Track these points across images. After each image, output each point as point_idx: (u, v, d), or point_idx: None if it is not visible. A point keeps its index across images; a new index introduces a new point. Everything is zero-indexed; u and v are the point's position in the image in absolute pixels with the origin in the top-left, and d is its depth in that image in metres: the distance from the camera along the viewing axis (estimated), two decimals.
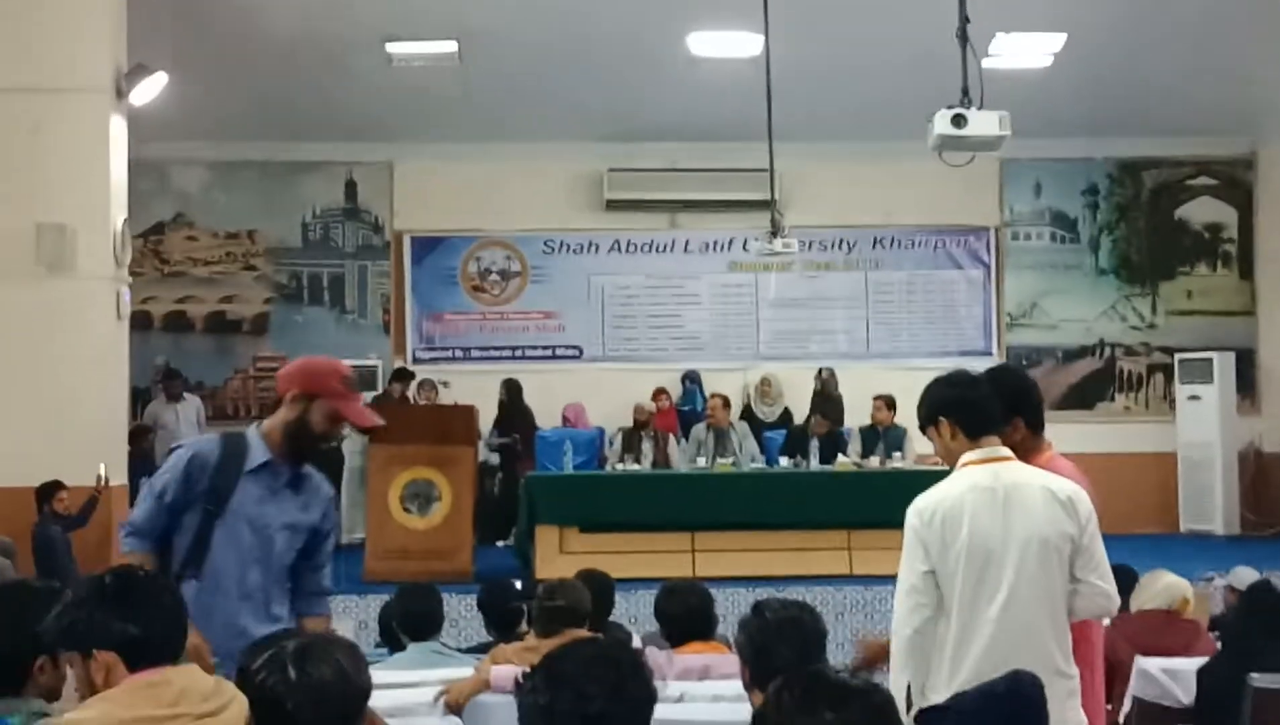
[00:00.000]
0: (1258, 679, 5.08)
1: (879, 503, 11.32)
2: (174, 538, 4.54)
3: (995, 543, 4.04)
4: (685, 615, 5.48)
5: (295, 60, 13.03)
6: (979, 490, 4.10)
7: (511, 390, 14.29)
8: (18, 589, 3.87)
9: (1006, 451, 4.21)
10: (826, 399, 14.22)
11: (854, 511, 11.34)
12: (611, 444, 14.07)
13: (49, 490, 9.76)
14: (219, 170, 15.24)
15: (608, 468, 13.42)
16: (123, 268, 11.01)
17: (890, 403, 13.14)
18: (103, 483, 10.09)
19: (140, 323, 13.40)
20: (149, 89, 11.03)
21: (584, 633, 5.04)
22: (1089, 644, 4.39)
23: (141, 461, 11.69)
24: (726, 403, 13.58)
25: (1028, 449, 4.39)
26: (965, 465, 4.18)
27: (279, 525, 4.58)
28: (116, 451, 10.79)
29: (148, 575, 3.46)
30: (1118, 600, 4.23)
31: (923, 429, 4.39)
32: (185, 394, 14.15)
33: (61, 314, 10.40)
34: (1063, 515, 4.07)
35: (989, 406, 4.26)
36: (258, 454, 4.54)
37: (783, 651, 3.81)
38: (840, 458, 13.00)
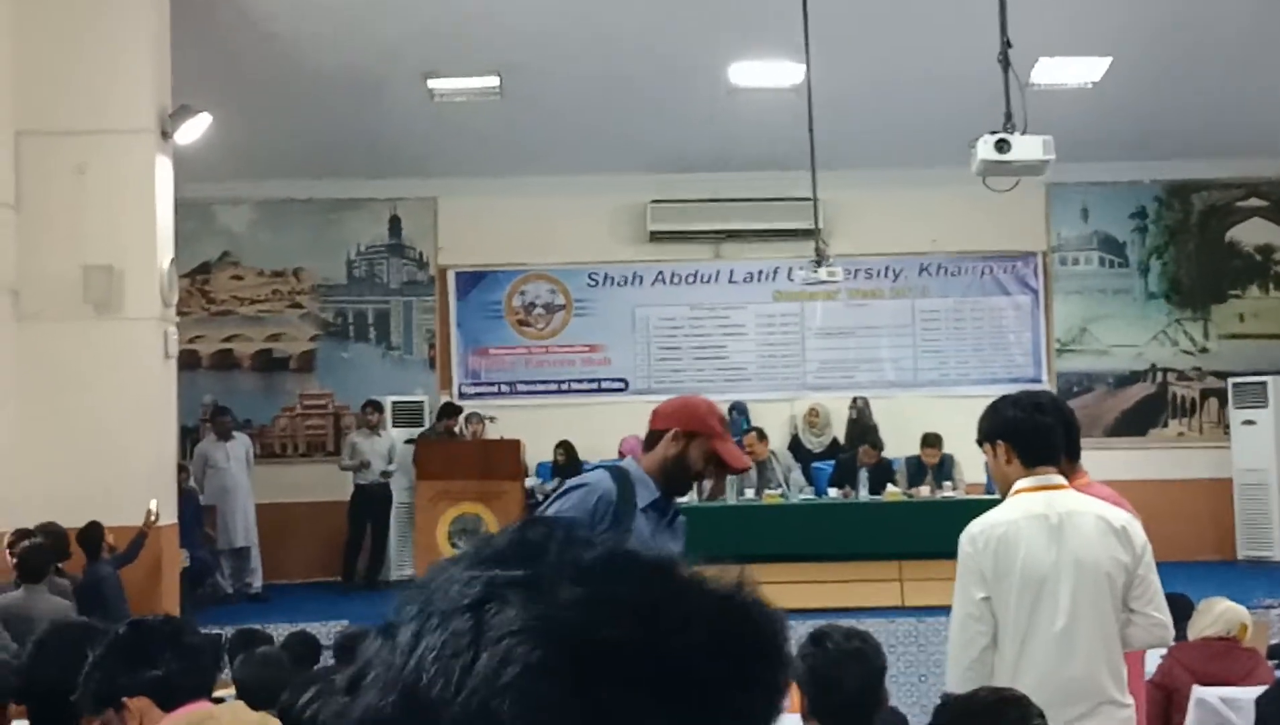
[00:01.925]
0: None
1: (930, 532, 11.31)
2: None
3: (1049, 570, 4.03)
4: None
5: (337, 97, 13.12)
6: (1033, 518, 4.09)
7: (569, 451, 14.29)
8: (82, 629, 3.90)
9: (1061, 479, 4.20)
10: (863, 428, 14.17)
11: (905, 542, 11.32)
12: None
13: (90, 531, 9.60)
14: (264, 209, 15.36)
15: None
16: (170, 307, 11.08)
17: (936, 442, 13.14)
18: (153, 518, 10.11)
19: (188, 362, 13.49)
20: (193, 129, 11.11)
21: None
22: (1132, 674, 4.37)
23: (181, 498, 11.74)
24: (762, 435, 13.64)
25: (1065, 477, 4.39)
26: (1019, 492, 4.17)
27: None
28: (166, 490, 10.83)
29: (163, 619, 3.50)
30: (1173, 631, 4.21)
31: (979, 444, 4.38)
32: (235, 432, 14.18)
33: (110, 354, 10.45)
34: (1117, 545, 4.06)
35: (1050, 437, 4.25)
36: (646, 492, 4.48)
37: (845, 683, 3.77)
38: (890, 487, 12.96)
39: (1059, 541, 4.05)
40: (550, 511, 4.52)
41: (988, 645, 4.07)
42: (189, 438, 14.16)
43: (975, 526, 4.17)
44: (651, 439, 4.59)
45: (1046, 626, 4.02)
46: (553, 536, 0.89)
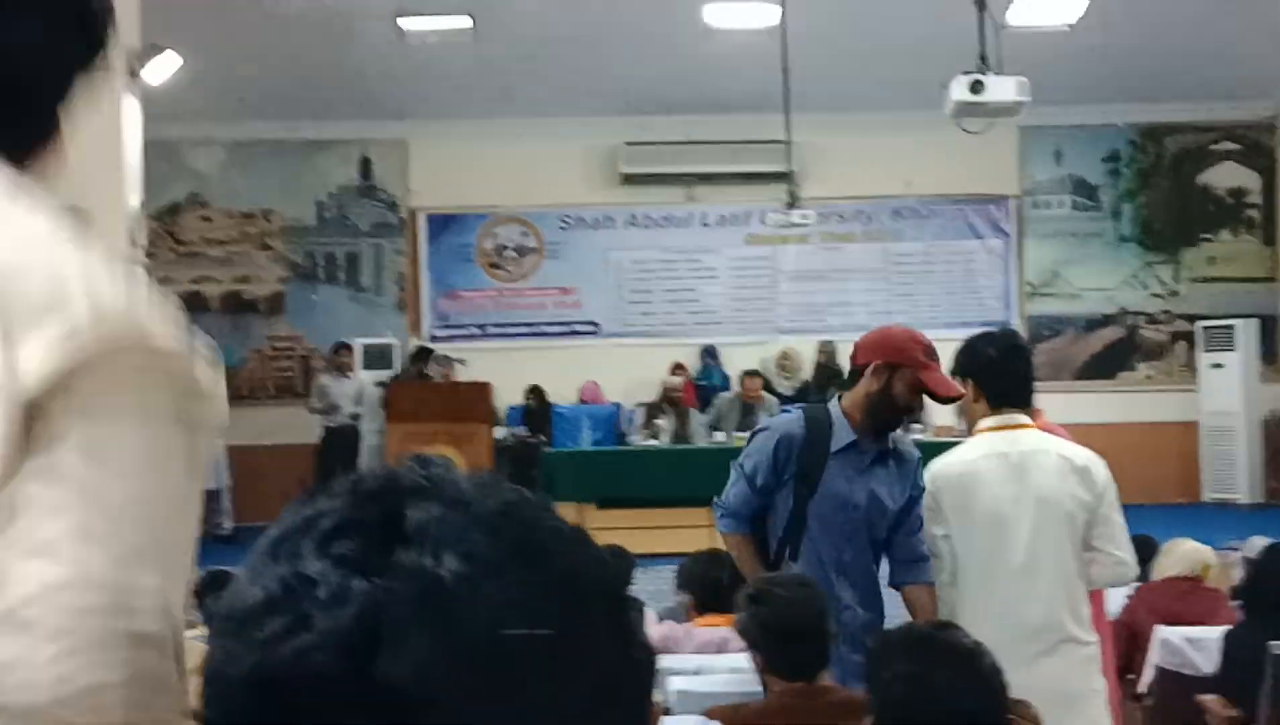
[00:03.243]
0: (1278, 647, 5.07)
1: None
2: (768, 518, 4.48)
3: (1010, 508, 4.06)
4: (707, 581, 5.46)
5: (307, 37, 13.03)
6: (994, 456, 4.12)
7: (539, 395, 14.31)
8: None
9: (1025, 418, 4.22)
10: (831, 372, 14.23)
11: None
12: (633, 420, 14.09)
13: None
14: (233, 150, 15.28)
15: (629, 443, 13.47)
16: (138, 249, 11.03)
17: None
18: None
19: None
20: (161, 68, 11.05)
21: None
22: (1095, 612, 4.40)
23: None
24: (763, 383, 13.84)
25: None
26: (981, 431, 4.20)
27: (869, 502, 4.41)
28: None
29: None
30: (1136, 570, 4.25)
31: (951, 375, 4.40)
32: None
33: None
34: (1078, 483, 4.09)
35: (1019, 382, 4.26)
36: (842, 435, 4.40)
37: (796, 632, 3.77)
38: None
39: (1020, 480, 4.08)
40: (738, 461, 4.53)
41: (948, 582, 4.11)
42: None
43: (936, 465, 4.21)
44: (853, 376, 4.50)
45: (1007, 565, 4.05)
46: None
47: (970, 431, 4.35)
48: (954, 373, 4.33)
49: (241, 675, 0.78)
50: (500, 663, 0.78)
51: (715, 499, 4.53)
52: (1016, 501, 4.07)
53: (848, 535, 4.40)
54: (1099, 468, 4.14)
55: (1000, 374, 4.25)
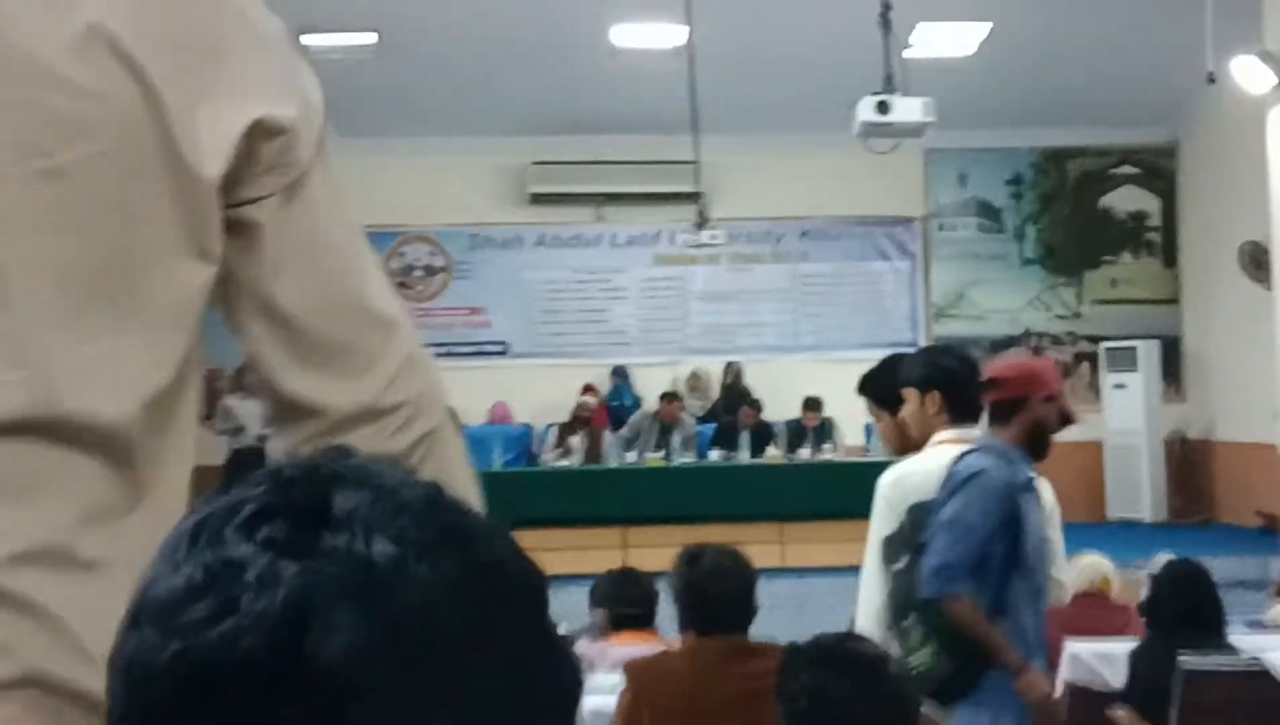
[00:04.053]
0: (1187, 660, 5.15)
1: (810, 494, 11.47)
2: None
3: None
4: (621, 601, 5.50)
5: None
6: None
7: (450, 418, 14.23)
8: None
9: (979, 433, 4.23)
10: (738, 393, 14.30)
11: (785, 503, 11.44)
12: (544, 440, 14.06)
13: None
14: None
15: (541, 463, 13.44)
16: None
17: (817, 405, 13.33)
18: None
19: None
20: None
21: None
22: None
23: None
24: (679, 402, 13.93)
25: (929, 425, 4.40)
26: (941, 443, 4.19)
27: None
28: None
29: None
30: (1069, 593, 4.25)
31: (900, 387, 4.33)
32: None
33: None
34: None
35: (978, 395, 4.27)
36: (1023, 471, 4.17)
37: (718, 596, 3.89)
38: (770, 450, 13.08)
39: None
40: (954, 506, 4.04)
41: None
42: None
43: (896, 471, 4.22)
44: (1005, 409, 4.25)
45: None
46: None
47: (897, 452, 4.35)
48: (914, 384, 4.29)
49: (162, 664, 0.77)
50: (430, 644, 0.78)
51: (936, 564, 4.01)
52: None
53: (1039, 569, 4.25)
54: (1046, 490, 4.17)
55: (965, 387, 4.26)
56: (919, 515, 4.14)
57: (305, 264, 1.35)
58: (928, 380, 4.28)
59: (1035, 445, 4.24)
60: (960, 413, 4.21)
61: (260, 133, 1.29)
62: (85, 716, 1.25)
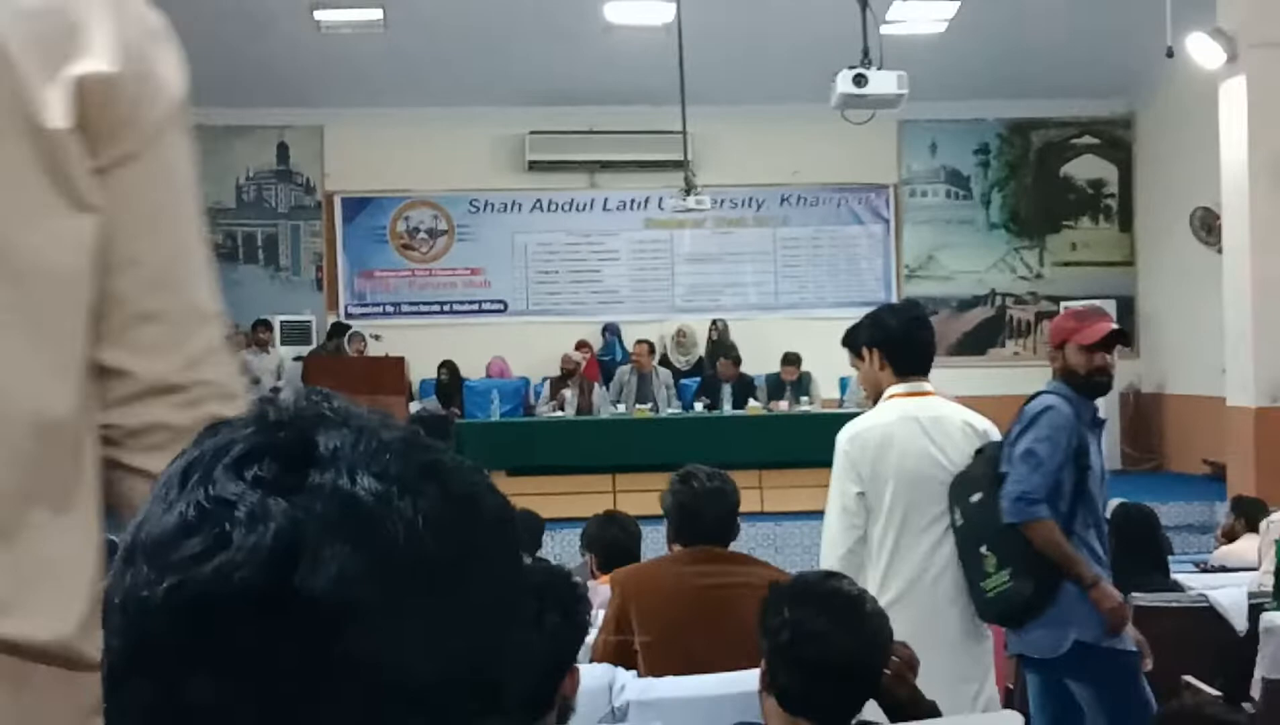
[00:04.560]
0: (1137, 597, 5.17)
1: (788, 444, 11.49)
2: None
3: (920, 468, 4.08)
4: (611, 542, 5.52)
5: (226, 26, 12.82)
6: (909, 420, 4.14)
7: (452, 369, 14.24)
8: None
9: (930, 387, 4.25)
10: (723, 348, 14.30)
11: (765, 452, 11.46)
12: (539, 393, 14.07)
13: None
14: None
15: (536, 415, 13.45)
16: None
17: (796, 360, 13.32)
18: None
19: None
20: None
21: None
22: None
23: None
24: (651, 349, 13.77)
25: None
26: (893, 397, 4.21)
27: (1101, 467, 4.44)
28: None
29: None
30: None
31: (854, 348, 4.40)
32: None
33: None
34: (980, 445, 4.15)
35: (924, 349, 4.29)
36: (1084, 409, 4.35)
37: (706, 513, 3.98)
38: (751, 402, 13.09)
39: (931, 442, 4.12)
40: (1027, 440, 4.17)
41: (862, 536, 4.13)
42: None
43: (854, 427, 4.22)
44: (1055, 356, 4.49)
45: (923, 517, 4.09)
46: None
47: (872, 399, 4.37)
48: (861, 343, 4.34)
49: (158, 599, 0.76)
50: (414, 573, 0.78)
51: (1016, 493, 4.11)
52: (931, 461, 4.10)
53: (1100, 498, 4.42)
54: (995, 433, 4.20)
55: (905, 344, 4.27)
56: (992, 452, 4.21)
57: (138, 242, 1.33)
58: (871, 339, 4.31)
59: (1086, 387, 4.35)
60: (904, 368, 4.23)
61: (94, 85, 1.29)
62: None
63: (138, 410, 1.35)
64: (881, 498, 4.09)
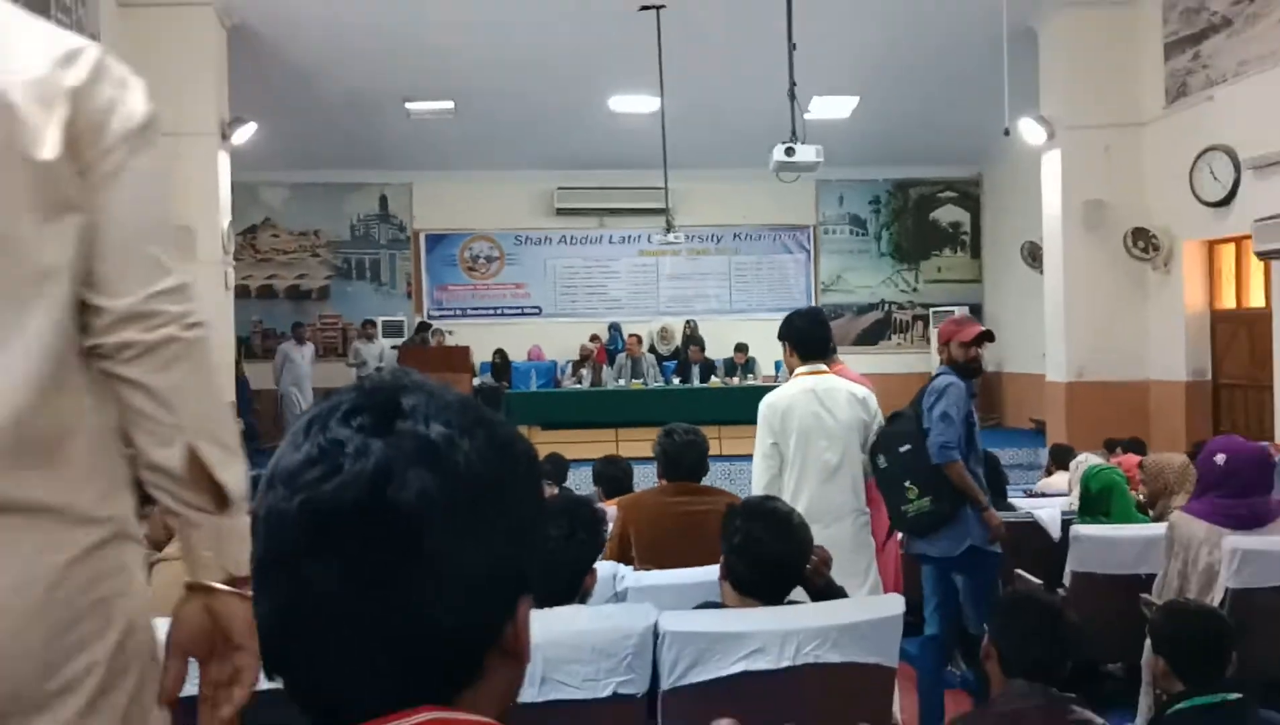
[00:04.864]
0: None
1: (738, 407, 11.45)
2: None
3: (814, 425, 4.10)
4: (613, 477, 5.54)
5: (345, 113, 12.80)
6: (807, 392, 4.16)
7: (502, 355, 14.26)
8: None
9: (824, 368, 4.26)
10: (693, 339, 14.33)
11: (722, 412, 11.46)
12: (563, 372, 14.08)
13: None
14: (292, 189, 14.97)
15: (562, 387, 13.46)
16: (228, 255, 10.82)
17: (744, 349, 13.36)
18: None
19: (241, 293, 13.15)
20: (244, 133, 10.80)
21: (554, 490, 5.17)
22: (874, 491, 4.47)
23: (238, 383, 11.63)
24: (640, 341, 13.77)
25: (831, 366, 4.47)
26: (798, 376, 4.23)
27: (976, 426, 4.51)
28: (227, 378, 10.64)
29: None
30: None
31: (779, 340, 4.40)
32: (306, 340, 14.02)
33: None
34: (861, 409, 4.15)
35: (820, 343, 4.30)
36: (969, 385, 4.46)
37: (685, 459, 4.03)
38: (713, 378, 13.10)
39: (822, 407, 4.13)
40: (940, 407, 4.26)
41: (776, 474, 4.15)
42: (242, 344, 13.87)
43: (769, 398, 4.25)
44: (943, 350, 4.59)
45: (815, 463, 4.10)
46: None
47: (790, 376, 4.38)
48: (779, 338, 4.36)
49: (292, 511, 0.77)
50: (470, 491, 0.79)
51: (939, 442, 4.22)
52: (820, 421, 4.11)
53: (978, 444, 4.48)
54: (872, 399, 4.21)
55: (806, 339, 4.28)
56: (909, 418, 4.32)
57: (110, 221, 1.34)
58: (784, 335, 4.32)
59: (966, 371, 4.45)
60: (806, 355, 4.24)
61: (75, 124, 1.32)
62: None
63: (114, 332, 1.34)
64: (788, 446, 4.11)
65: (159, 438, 1.34)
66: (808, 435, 4.09)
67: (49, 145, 1.28)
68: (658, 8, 10.80)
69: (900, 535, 4.56)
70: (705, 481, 4.13)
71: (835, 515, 4.04)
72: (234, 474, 1.38)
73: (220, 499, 1.36)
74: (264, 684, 1.08)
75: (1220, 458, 3.95)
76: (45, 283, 1.29)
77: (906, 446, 4.22)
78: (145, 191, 1.38)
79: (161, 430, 1.34)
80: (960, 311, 15.06)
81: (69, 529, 1.28)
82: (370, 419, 0.79)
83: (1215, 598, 3.71)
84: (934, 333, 15.22)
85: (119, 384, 1.34)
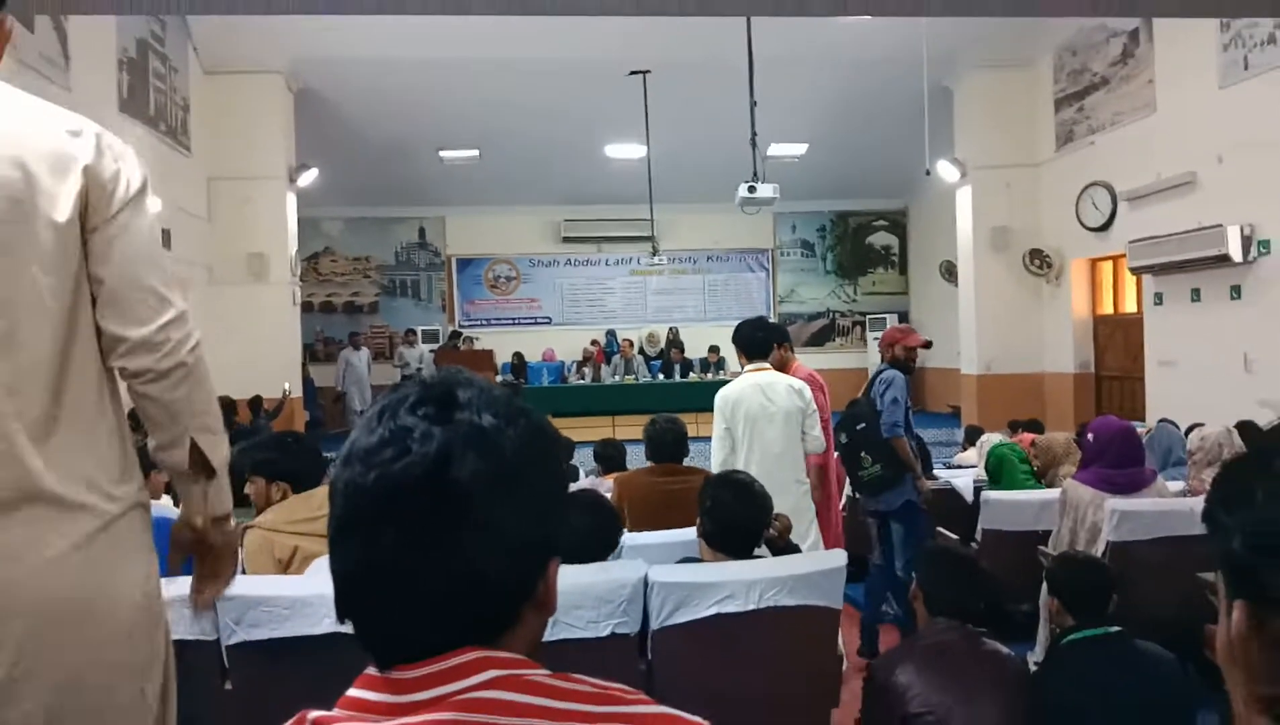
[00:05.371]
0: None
1: (711, 398, 11.45)
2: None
3: (759, 412, 4.08)
4: (610, 456, 5.52)
5: (389, 158, 12.77)
6: (751, 386, 4.14)
7: (519, 357, 14.22)
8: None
9: (767, 365, 4.24)
10: (675, 342, 14.32)
11: (697, 402, 11.44)
12: (570, 370, 14.05)
13: (256, 401, 9.47)
14: (348, 222, 14.90)
15: (568, 382, 13.42)
16: (295, 277, 10.78)
17: (716, 350, 13.36)
18: (288, 393, 9.91)
19: (305, 308, 13.08)
20: (308, 176, 10.76)
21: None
22: (826, 466, 4.46)
23: (305, 382, 11.55)
24: (631, 345, 13.73)
25: (787, 360, 4.46)
26: (746, 372, 4.22)
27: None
28: (295, 377, 10.60)
29: (299, 437, 3.35)
30: (824, 443, 4.26)
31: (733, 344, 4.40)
32: (362, 346, 13.87)
33: (263, 304, 10.17)
34: (797, 397, 4.12)
35: (761, 345, 4.28)
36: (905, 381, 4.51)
37: (665, 441, 3.97)
38: (691, 374, 13.08)
39: (764, 398, 4.11)
40: (890, 394, 4.41)
41: (730, 452, 4.13)
42: (307, 350, 13.82)
43: (723, 391, 4.21)
44: (885, 351, 4.67)
45: (761, 441, 4.07)
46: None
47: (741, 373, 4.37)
48: (732, 342, 4.34)
49: (367, 485, 0.77)
50: (514, 469, 0.79)
51: (890, 422, 4.38)
52: (764, 409, 4.09)
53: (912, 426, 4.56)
54: (806, 389, 4.18)
55: (750, 341, 4.27)
56: (865, 404, 4.48)
57: (116, 261, 1.39)
58: (734, 341, 4.31)
59: (905, 368, 4.57)
60: (751, 355, 4.24)
61: (84, 194, 1.38)
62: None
63: (134, 358, 1.41)
64: (738, 430, 4.10)
65: (169, 438, 1.45)
66: (754, 421, 4.08)
67: (62, 210, 1.33)
68: (644, 73, 10.80)
69: (843, 504, 4.58)
70: (688, 460, 4.10)
71: (779, 486, 4.03)
72: (220, 453, 1.51)
73: (209, 470, 1.50)
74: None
75: (1090, 435, 3.99)
76: (73, 314, 1.36)
77: (862, 425, 4.41)
78: (146, 242, 1.43)
79: (170, 434, 1.45)
80: (892, 319, 15.11)
81: (106, 502, 1.38)
82: (433, 409, 0.79)
83: (1098, 549, 3.71)
84: (871, 336, 15.26)
85: (137, 396, 1.44)
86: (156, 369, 1.41)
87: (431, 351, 13.71)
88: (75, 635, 1.30)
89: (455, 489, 0.76)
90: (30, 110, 1.35)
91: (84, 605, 1.32)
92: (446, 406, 0.79)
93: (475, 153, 12.86)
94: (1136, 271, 8.91)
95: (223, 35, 9.58)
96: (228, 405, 8.54)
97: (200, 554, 1.59)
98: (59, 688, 1.28)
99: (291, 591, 2.30)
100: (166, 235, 8.43)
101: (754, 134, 8.62)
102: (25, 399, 1.30)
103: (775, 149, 12.39)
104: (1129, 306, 10.05)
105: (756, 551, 2.84)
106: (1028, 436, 6.37)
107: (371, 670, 0.77)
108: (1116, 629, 2.55)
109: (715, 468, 4.10)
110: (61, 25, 6.77)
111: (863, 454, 4.39)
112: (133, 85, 8.17)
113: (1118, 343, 10.13)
